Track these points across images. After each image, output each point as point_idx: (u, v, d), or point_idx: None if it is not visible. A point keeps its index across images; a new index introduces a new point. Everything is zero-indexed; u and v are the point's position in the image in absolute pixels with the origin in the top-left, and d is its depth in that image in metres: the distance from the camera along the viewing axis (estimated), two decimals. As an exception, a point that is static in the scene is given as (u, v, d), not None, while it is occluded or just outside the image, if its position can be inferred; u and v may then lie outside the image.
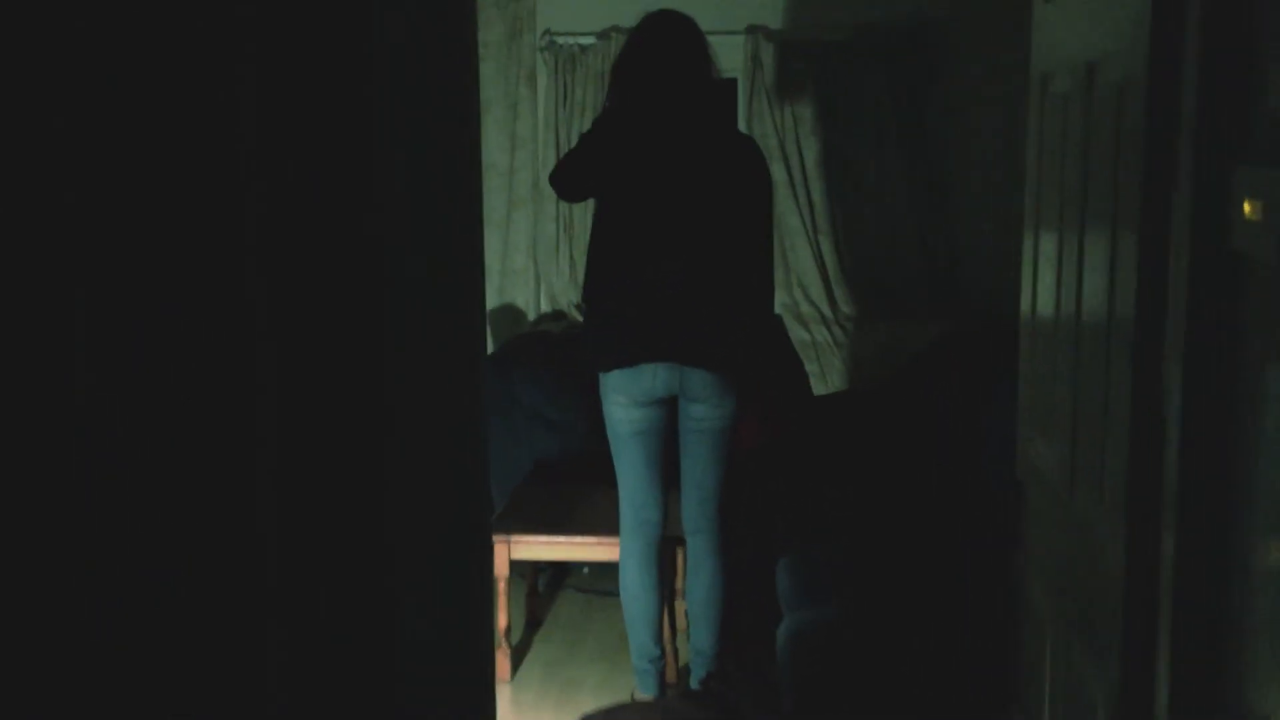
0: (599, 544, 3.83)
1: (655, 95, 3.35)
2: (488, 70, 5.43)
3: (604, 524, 3.86)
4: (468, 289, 1.59)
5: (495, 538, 3.84)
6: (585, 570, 4.79)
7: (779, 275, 5.28)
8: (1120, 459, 1.85)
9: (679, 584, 4.01)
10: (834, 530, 3.89)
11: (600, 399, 3.51)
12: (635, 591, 3.55)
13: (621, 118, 3.36)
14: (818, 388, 5.27)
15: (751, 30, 5.24)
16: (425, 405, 1.47)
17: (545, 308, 5.58)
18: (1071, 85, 2.18)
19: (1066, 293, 2.19)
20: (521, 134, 5.44)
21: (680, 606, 4.00)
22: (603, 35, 5.24)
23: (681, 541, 3.69)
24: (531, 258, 5.52)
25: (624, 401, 3.41)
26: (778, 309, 5.27)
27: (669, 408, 3.48)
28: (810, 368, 5.28)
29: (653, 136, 3.35)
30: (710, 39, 3.54)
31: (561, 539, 3.86)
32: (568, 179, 3.40)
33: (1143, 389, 1.80)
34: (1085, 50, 2.11)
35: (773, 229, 3.48)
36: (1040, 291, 2.38)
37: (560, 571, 4.83)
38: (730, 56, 5.20)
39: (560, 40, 5.33)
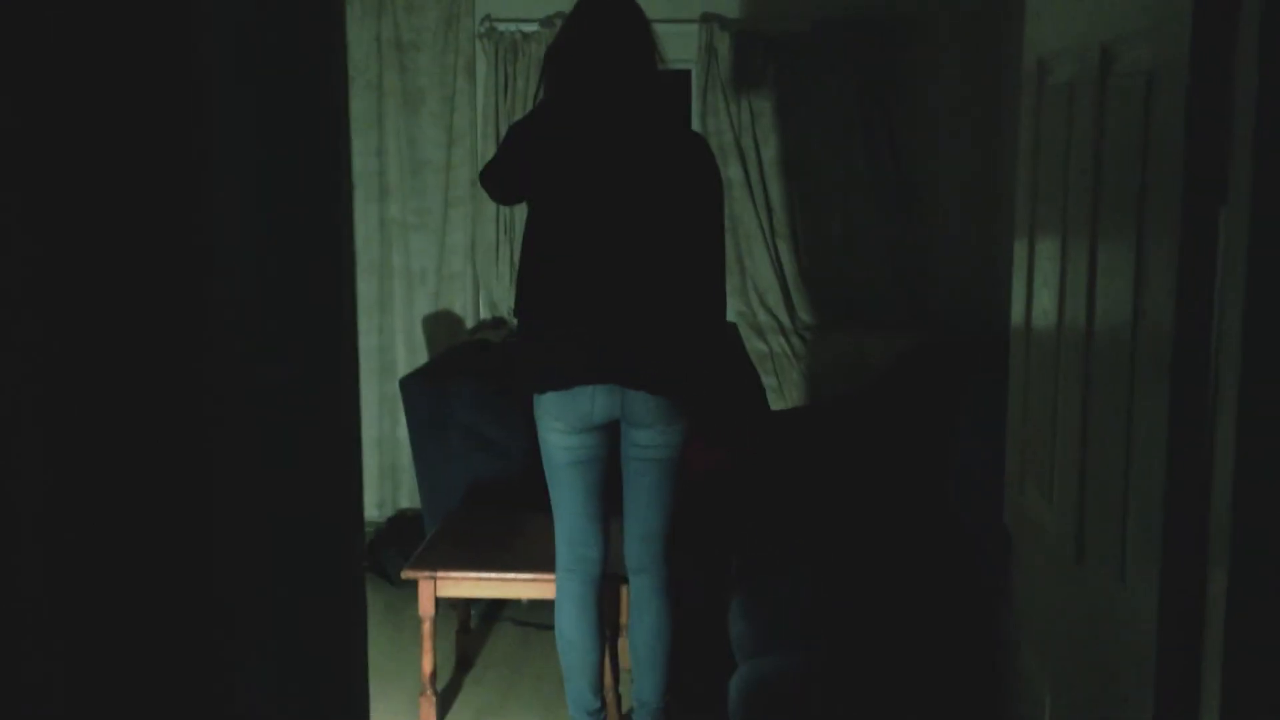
0: (535, 580, 3.47)
1: (592, 86, 2.99)
2: (422, 60, 5.05)
3: (543, 557, 3.49)
4: (326, 274, 1.26)
5: (420, 574, 3.47)
6: (524, 601, 4.42)
7: (734, 281, 4.94)
8: (1152, 500, 1.51)
9: (623, 620, 3.65)
10: (793, 566, 3.54)
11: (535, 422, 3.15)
12: (571, 638, 3.19)
13: (555, 111, 3.00)
14: (775, 402, 4.94)
15: (706, 19, 4.90)
16: (263, 411, 1.15)
17: (484, 314, 5.21)
18: (1078, 72, 1.84)
19: (1072, 311, 1.85)
20: (459, 127, 5.06)
21: (624, 645, 3.65)
22: (546, 22, 4.87)
23: (625, 579, 3.33)
24: (470, 261, 5.15)
25: (559, 427, 3.04)
26: (733, 317, 4.93)
27: (610, 433, 3.12)
28: (767, 380, 4.94)
29: (589, 132, 2.99)
30: (662, 27, 3.19)
31: (493, 575, 3.49)
32: (497, 179, 3.03)
33: (1180, 418, 1.47)
34: (1097, 30, 1.77)
35: (724, 235, 3.12)
36: (1037, 310, 2.04)
37: (496, 602, 4.46)
38: (683, 46, 4.86)
39: (501, 27, 4.96)
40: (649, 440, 3.07)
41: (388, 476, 5.27)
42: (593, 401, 2.98)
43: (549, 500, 3.28)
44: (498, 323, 5.12)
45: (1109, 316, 1.71)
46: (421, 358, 5.17)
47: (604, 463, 3.13)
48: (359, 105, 5.09)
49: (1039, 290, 2.05)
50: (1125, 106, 1.63)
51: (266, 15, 1.10)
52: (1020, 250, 2.12)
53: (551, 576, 3.35)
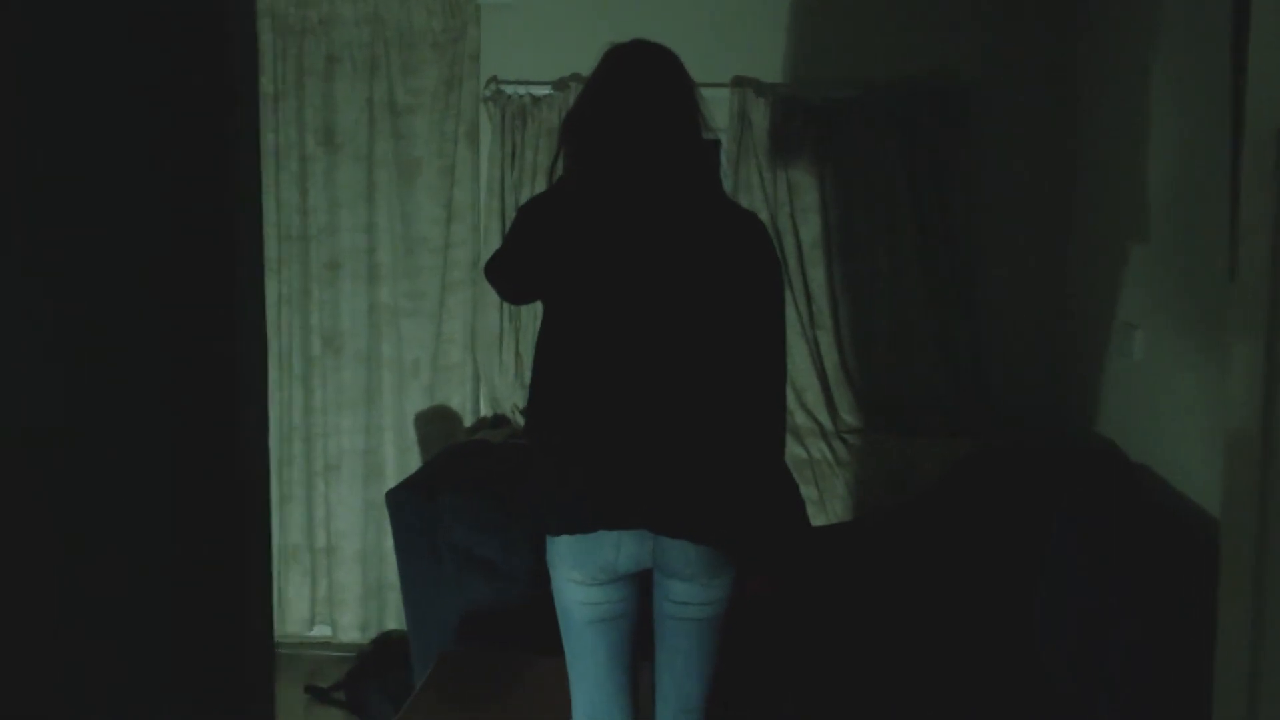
0: (542, 753, 2.85)
1: (623, 161, 2.41)
2: (419, 125, 4.51)
3: (554, 713, 2.89)
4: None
5: (402, 743, 2.86)
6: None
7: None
8: None
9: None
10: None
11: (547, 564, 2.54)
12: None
13: (577, 191, 2.42)
14: (815, 517, 4.34)
15: (740, 83, 4.37)
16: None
17: (485, 411, 4.63)
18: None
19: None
20: (459, 202, 4.51)
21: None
22: (560, 85, 4.34)
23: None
24: (469, 351, 4.57)
25: (577, 578, 2.43)
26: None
27: (641, 581, 2.52)
28: (807, 492, 4.34)
29: (619, 218, 2.40)
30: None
31: (492, 747, 2.88)
32: (506, 273, 2.45)
33: None
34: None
35: (784, 340, 2.53)
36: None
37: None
38: (714, 113, 4.32)
39: (509, 90, 4.42)
40: (688, 595, 2.46)
41: (373, 595, 4.65)
42: (618, 550, 2.38)
43: (560, 644, 2.67)
44: (499, 421, 4.54)
45: None
46: (413, 459, 4.57)
47: (632, 618, 2.53)
48: (346, 176, 4.55)
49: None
50: None
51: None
52: (1247, 353, 1.52)
53: (564, 749, 2.74)
